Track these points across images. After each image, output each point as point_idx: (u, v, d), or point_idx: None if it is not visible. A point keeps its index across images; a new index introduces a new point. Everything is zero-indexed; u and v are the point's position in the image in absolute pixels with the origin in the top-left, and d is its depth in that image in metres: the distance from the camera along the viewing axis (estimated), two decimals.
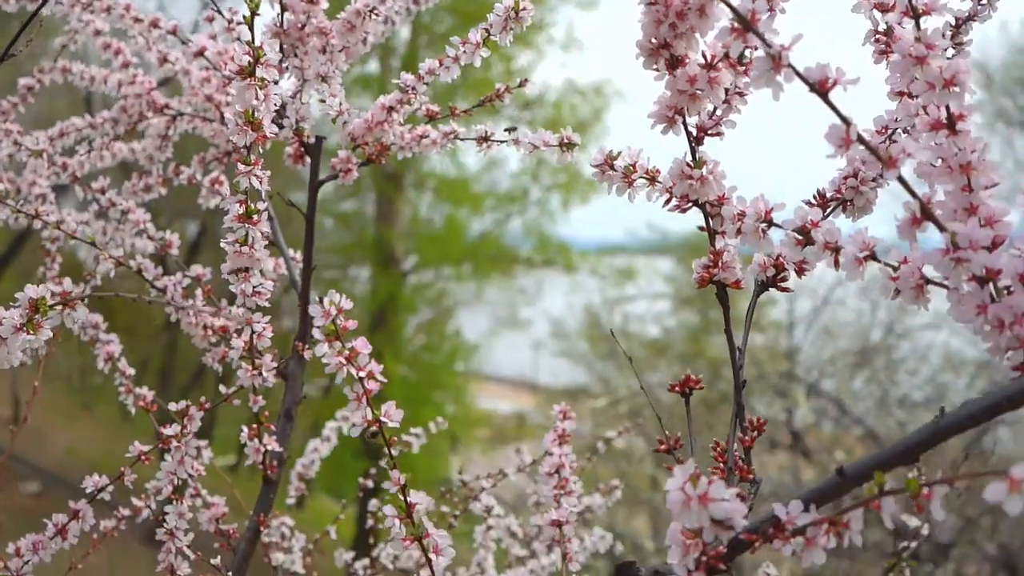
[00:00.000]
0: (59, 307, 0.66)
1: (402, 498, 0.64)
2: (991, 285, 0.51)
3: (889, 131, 0.68)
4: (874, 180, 0.67)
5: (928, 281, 0.55)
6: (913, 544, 1.09)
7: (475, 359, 11.76)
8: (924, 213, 0.52)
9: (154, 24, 1.08)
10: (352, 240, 11.56)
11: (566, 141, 0.83)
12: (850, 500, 0.53)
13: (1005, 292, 0.52)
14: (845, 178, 0.68)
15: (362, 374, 0.62)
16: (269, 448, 0.97)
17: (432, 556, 0.64)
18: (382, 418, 0.63)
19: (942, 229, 0.51)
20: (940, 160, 0.55)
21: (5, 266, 7.46)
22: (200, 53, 1.04)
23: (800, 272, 0.68)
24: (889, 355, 6.49)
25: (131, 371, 1.10)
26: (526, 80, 1.00)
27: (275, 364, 0.91)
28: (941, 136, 0.54)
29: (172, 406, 0.89)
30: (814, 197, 0.69)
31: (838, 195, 0.68)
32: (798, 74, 0.50)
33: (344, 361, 0.62)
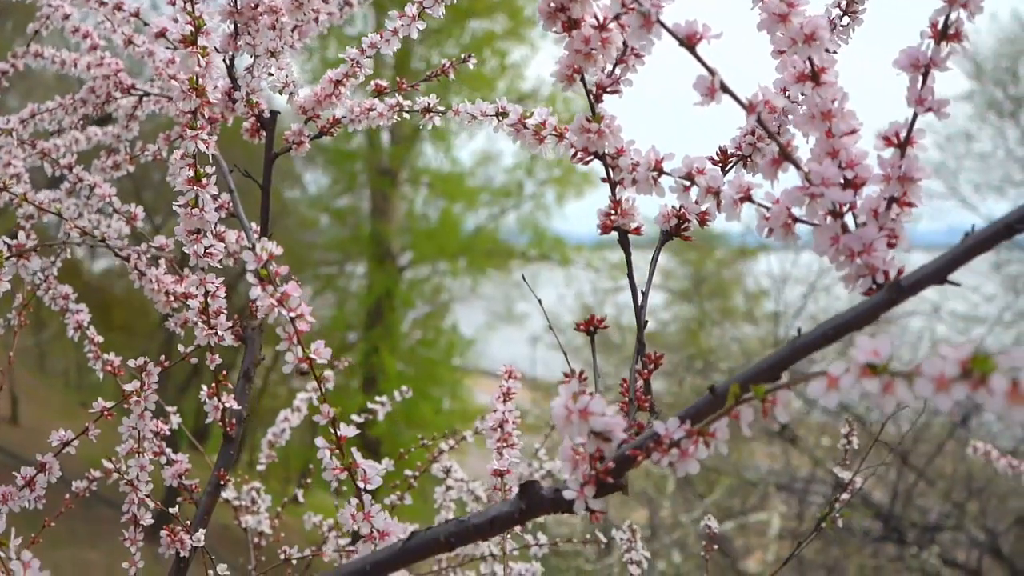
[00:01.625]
0: (13, 259, 0.71)
1: (332, 431, 0.70)
2: (844, 219, 0.57)
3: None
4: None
5: (796, 219, 0.60)
6: (845, 496, 1.15)
7: (471, 354, 11.81)
8: (783, 154, 0.57)
9: (118, 7, 1.13)
10: (348, 236, 11.62)
11: (501, 111, 0.88)
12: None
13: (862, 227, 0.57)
14: (744, 135, 0.74)
15: (293, 314, 0.67)
16: (228, 406, 1.02)
17: (361, 484, 0.70)
18: (312, 355, 0.68)
19: (799, 169, 0.57)
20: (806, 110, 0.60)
21: None
22: (161, 34, 1.09)
23: (702, 223, 0.73)
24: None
25: (99, 339, 1.15)
26: (469, 56, 1.05)
27: (230, 324, 0.96)
28: (808, 87, 0.60)
29: (131, 363, 0.94)
30: (716, 153, 0.75)
31: (738, 151, 0.74)
32: (667, 30, 0.56)
33: (276, 303, 0.67)
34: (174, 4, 1.10)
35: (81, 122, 1.24)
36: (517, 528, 1.36)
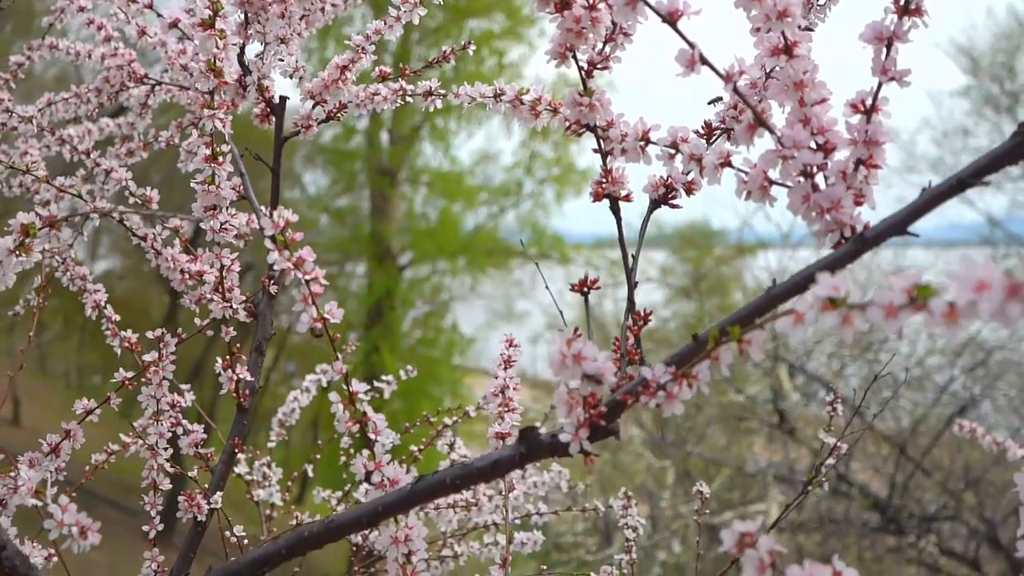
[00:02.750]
0: (46, 229, 0.76)
1: (345, 387, 0.75)
2: (815, 179, 0.62)
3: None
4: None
5: (771, 181, 0.65)
6: (831, 462, 1.20)
7: (472, 353, 11.85)
8: (758, 120, 0.62)
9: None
10: (348, 236, 11.67)
11: (499, 91, 0.93)
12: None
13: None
14: (727, 109, 0.79)
15: (308, 277, 0.72)
16: (241, 378, 1.07)
17: (372, 436, 0.75)
18: (326, 315, 0.73)
19: (773, 133, 0.62)
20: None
21: None
22: (174, 24, 1.14)
23: (688, 192, 0.79)
24: (871, 336, 6.60)
25: (117, 317, 1.20)
26: (469, 43, 1.10)
27: (244, 298, 1.01)
28: (781, 60, 0.65)
29: (149, 334, 0.99)
30: (701, 127, 0.80)
31: (722, 124, 0.79)
32: (650, 7, 0.61)
33: (292, 266, 0.72)
34: None
35: (96, 111, 1.29)
36: (521, 498, 1.41)
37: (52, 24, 1.41)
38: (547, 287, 1.02)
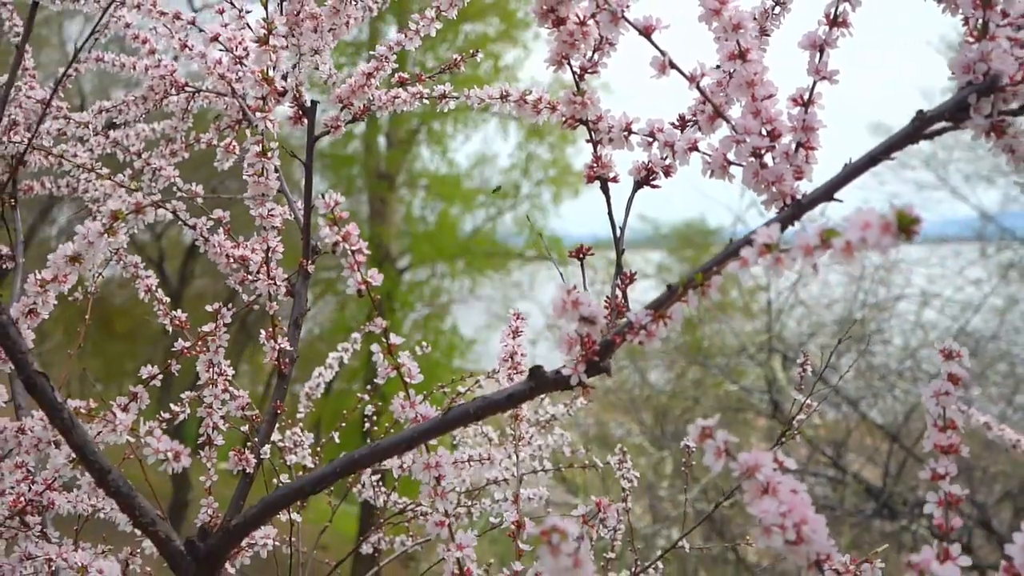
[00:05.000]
0: (132, 214, 0.91)
1: (384, 339, 0.91)
2: (763, 159, 0.77)
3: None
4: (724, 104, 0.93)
5: (729, 162, 0.81)
6: (802, 417, 1.35)
7: (472, 355, 11.98)
8: (716, 112, 0.78)
9: (176, 16, 1.34)
10: None
11: (505, 93, 1.09)
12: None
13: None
14: (696, 104, 0.94)
15: (354, 248, 0.88)
16: (283, 347, 1.23)
17: (407, 380, 0.90)
18: (368, 279, 0.89)
19: (728, 123, 0.77)
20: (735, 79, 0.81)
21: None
22: (215, 39, 1.30)
23: (667, 174, 0.94)
24: (865, 327, 6.76)
25: (167, 299, 1.36)
26: (477, 51, 1.26)
27: (286, 276, 1.17)
28: (737, 63, 0.80)
29: (208, 307, 1.15)
30: (677, 119, 0.95)
31: (693, 117, 0.94)
32: (630, 23, 0.76)
33: (341, 239, 0.88)
34: (222, 12, 1.32)
35: (143, 116, 1.44)
36: (530, 462, 1.56)
37: (97, 37, 1.57)
38: (561, 274, 1.16)
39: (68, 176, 1.59)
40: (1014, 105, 0.69)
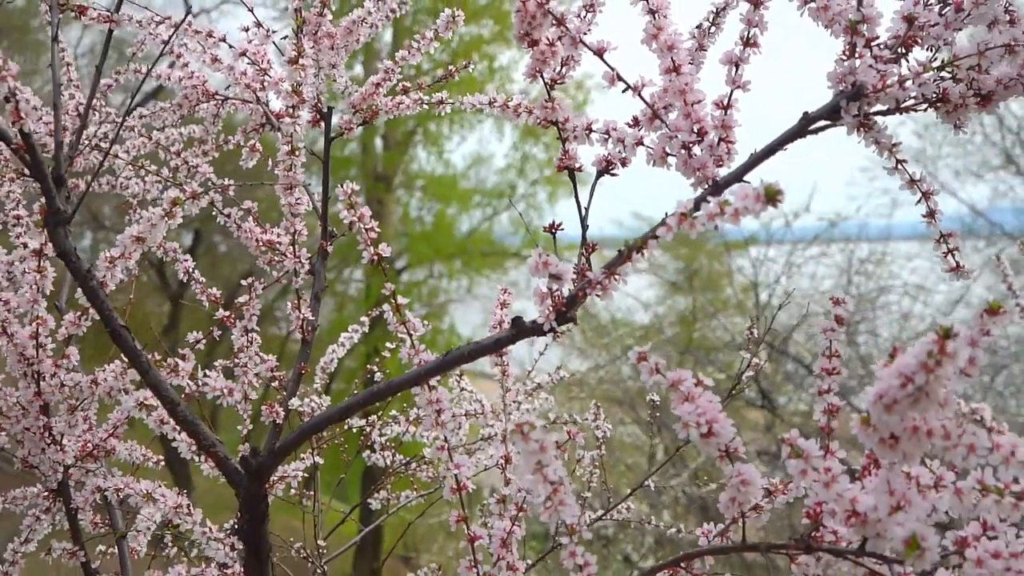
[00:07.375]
0: (188, 200, 1.13)
1: (393, 300, 1.12)
2: (692, 151, 0.99)
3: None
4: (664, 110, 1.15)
5: (667, 153, 1.02)
6: (750, 372, 1.56)
7: None
8: (654, 115, 0.99)
9: (209, 35, 1.55)
10: (345, 241, 12.01)
11: (493, 99, 1.30)
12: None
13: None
14: (644, 108, 1.16)
15: (367, 227, 1.09)
16: (306, 317, 1.44)
17: (411, 333, 1.12)
18: (380, 251, 1.10)
19: (663, 122, 0.99)
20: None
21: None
22: (243, 53, 1.51)
23: (623, 164, 1.15)
24: (853, 318, 6.99)
25: (203, 280, 1.57)
26: (469, 62, 1.48)
27: (309, 255, 1.38)
28: (672, 76, 1.02)
29: (243, 282, 1.36)
30: (632, 119, 1.17)
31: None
32: (586, 45, 0.98)
33: (356, 220, 1.09)
34: (247, 30, 1.53)
35: (179, 120, 1.66)
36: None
37: (135, 52, 1.78)
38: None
39: (108, 175, 1.80)
40: (877, 108, 0.91)
